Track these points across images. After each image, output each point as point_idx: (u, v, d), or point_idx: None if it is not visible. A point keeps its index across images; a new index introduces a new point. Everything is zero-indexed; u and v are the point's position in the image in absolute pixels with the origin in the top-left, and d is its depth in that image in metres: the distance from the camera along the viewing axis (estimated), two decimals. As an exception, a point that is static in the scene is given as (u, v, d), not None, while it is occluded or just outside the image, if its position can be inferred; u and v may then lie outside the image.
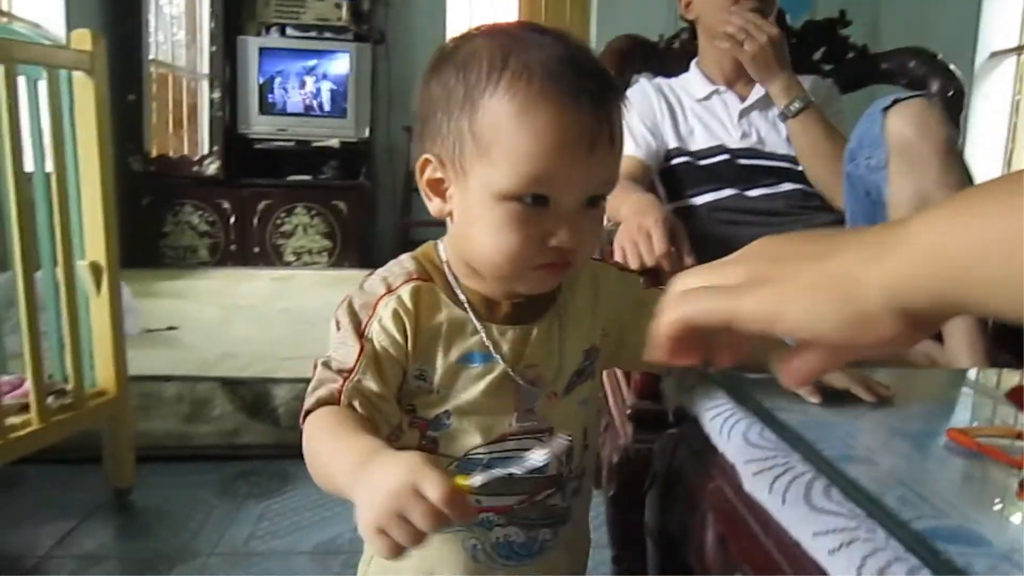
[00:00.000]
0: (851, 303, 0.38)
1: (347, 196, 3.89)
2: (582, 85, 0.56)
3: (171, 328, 2.55)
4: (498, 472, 0.51)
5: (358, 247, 3.92)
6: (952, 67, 1.58)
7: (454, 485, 0.47)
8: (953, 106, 1.57)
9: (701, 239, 1.48)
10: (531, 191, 0.57)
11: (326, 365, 0.61)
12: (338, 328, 0.62)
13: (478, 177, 0.58)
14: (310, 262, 3.87)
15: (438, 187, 0.63)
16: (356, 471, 0.51)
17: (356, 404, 0.59)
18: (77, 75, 1.47)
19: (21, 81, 1.42)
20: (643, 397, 1.13)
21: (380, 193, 4.21)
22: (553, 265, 0.60)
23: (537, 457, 0.52)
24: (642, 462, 1.01)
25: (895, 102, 1.12)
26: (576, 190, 0.58)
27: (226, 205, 3.80)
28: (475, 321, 0.64)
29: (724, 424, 0.63)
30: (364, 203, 3.95)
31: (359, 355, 0.60)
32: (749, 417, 0.62)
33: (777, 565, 0.50)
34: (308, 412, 0.59)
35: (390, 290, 0.62)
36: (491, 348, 0.64)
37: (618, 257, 1.12)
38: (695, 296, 0.44)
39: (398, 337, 0.61)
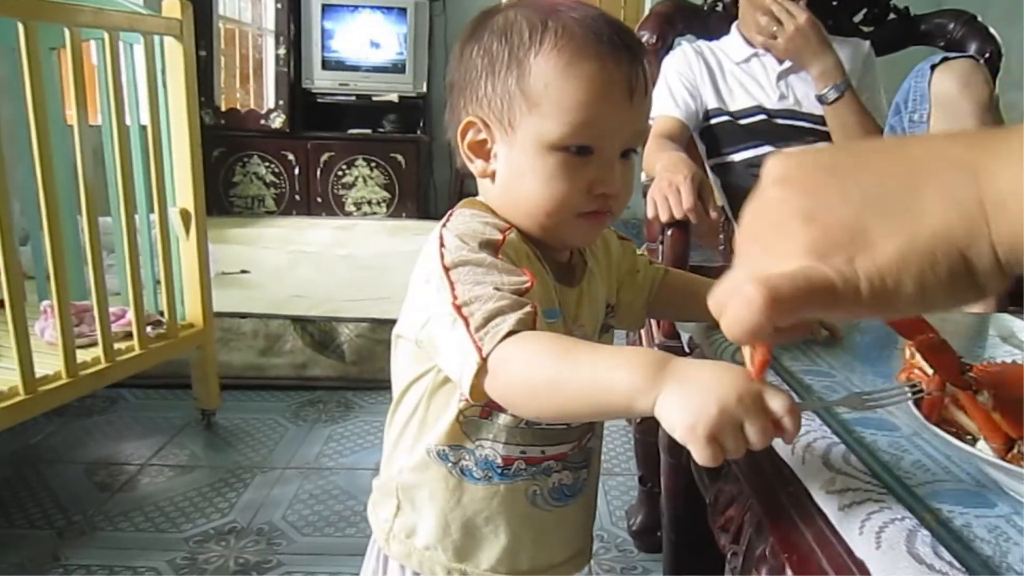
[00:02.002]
0: (965, 276, 0.31)
1: (405, 149, 4.04)
2: (619, 40, 0.61)
3: (244, 271, 2.76)
4: (827, 404, 0.53)
5: (415, 198, 4.08)
6: (991, 30, 1.62)
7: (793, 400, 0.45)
8: (991, 68, 1.61)
9: (738, 193, 1.58)
10: (578, 140, 0.61)
11: (498, 290, 0.55)
12: (453, 269, 0.58)
13: (527, 131, 0.62)
14: (370, 212, 4.05)
15: (480, 148, 0.66)
16: (653, 379, 0.46)
17: (544, 329, 0.55)
18: (168, 40, 1.64)
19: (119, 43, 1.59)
20: (669, 336, 1.27)
21: (436, 146, 4.34)
22: (597, 214, 0.64)
23: (878, 403, 0.51)
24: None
25: (943, 60, 1.20)
26: (617, 137, 0.62)
27: (291, 157, 3.99)
28: (552, 279, 0.66)
29: (719, 348, 0.77)
30: (421, 156, 4.09)
31: (531, 276, 0.58)
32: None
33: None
34: (506, 336, 0.53)
35: (504, 231, 0.62)
36: (560, 306, 0.66)
37: (649, 209, 1.23)
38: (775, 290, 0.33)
39: None
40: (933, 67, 1.21)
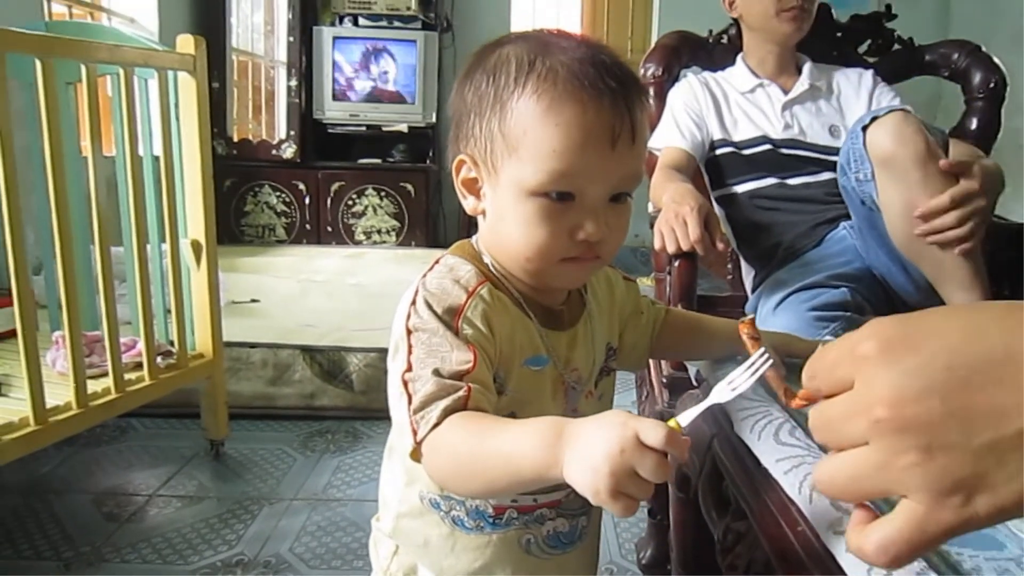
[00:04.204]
0: None
1: (414, 178, 4.06)
2: (604, 85, 0.58)
3: (254, 300, 2.77)
4: (702, 406, 0.53)
5: (424, 227, 4.10)
6: (995, 59, 1.63)
7: (669, 426, 0.47)
8: (995, 97, 1.62)
9: (742, 224, 1.58)
10: (557, 187, 0.59)
11: (437, 373, 0.57)
12: (414, 334, 0.60)
13: (508, 175, 0.61)
14: (379, 241, 4.07)
15: (472, 186, 0.65)
16: (553, 450, 0.49)
17: (485, 406, 0.57)
18: (182, 75, 1.67)
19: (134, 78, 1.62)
20: (677, 369, 1.26)
21: (445, 176, 4.34)
22: (581, 259, 0.62)
23: (743, 383, 0.54)
24: (672, 423, 1.14)
25: (873, 119, 1.19)
26: (599, 185, 0.60)
27: (301, 187, 4.02)
28: (537, 325, 0.66)
29: (726, 382, 0.76)
30: (430, 185, 4.12)
31: (475, 358, 0.58)
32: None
33: (753, 486, 0.63)
34: (436, 425, 0.55)
35: (471, 291, 0.62)
36: (548, 352, 0.66)
37: (656, 241, 1.23)
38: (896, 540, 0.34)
39: (491, 336, 0.61)
40: (864, 128, 1.21)
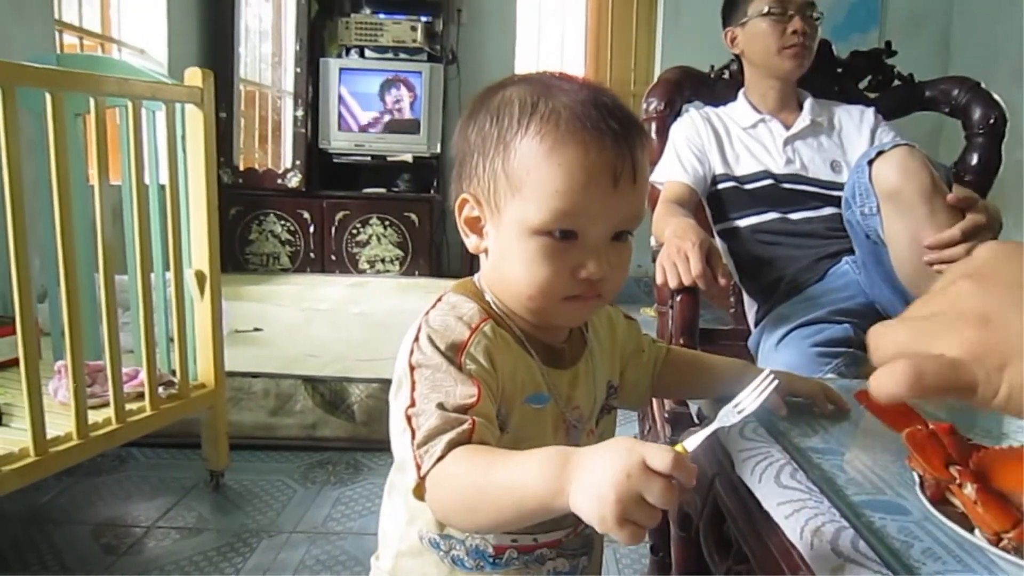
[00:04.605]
0: None
1: (419, 208, 4.09)
2: (606, 126, 0.60)
3: (257, 329, 2.78)
4: (708, 429, 0.52)
5: (428, 256, 4.11)
6: (995, 95, 1.64)
7: (676, 451, 0.47)
8: (995, 133, 1.63)
9: (744, 258, 1.59)
10: (560, 226, 0.60)
11: (441, 407, 0.57)
12: (417, 370, 0.60)
13: (511, 214, 0.62)
14: (383, 270, 4.09)
15: (475, 224, 0.66)
16: (558, 479, 0.49)
17: (488, 439, 0.57)
18: (189, 107, 1.69)
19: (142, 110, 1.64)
20: (679, 404, 1.26)
21: (449, 206, 4.38)
22: (583, 297, 0.63)
23: (750, 405, 0.54)
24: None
25: (879, 154, 1.20)
26: (602, 223, 0.61)
27: (306, 215, 4.05)
28: (539, 363, 0.66)
29: (732, 405, 0.76)
30: (434, 215, 4.14)
31: (479, 392, 0.58)
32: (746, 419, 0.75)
33: (755, 529, 0.62)
34: (440, 459, 0.55)
35: (474, 328, 0.63)
36: (549, 389, 0.66)
37: (659, 275, 1.24)
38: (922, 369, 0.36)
39: (493, 372, 0.62)
40: (870, 162, 1.22)
